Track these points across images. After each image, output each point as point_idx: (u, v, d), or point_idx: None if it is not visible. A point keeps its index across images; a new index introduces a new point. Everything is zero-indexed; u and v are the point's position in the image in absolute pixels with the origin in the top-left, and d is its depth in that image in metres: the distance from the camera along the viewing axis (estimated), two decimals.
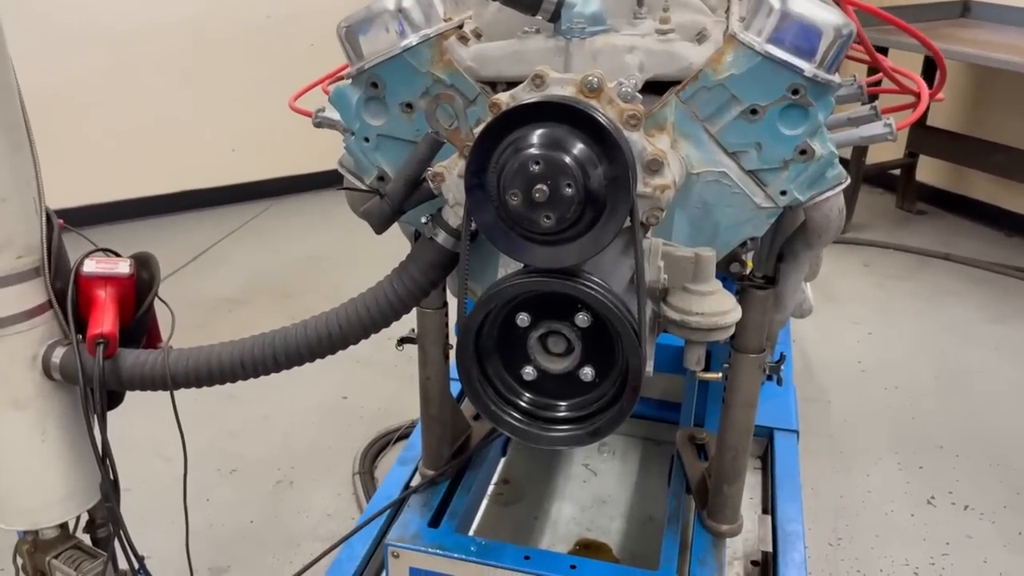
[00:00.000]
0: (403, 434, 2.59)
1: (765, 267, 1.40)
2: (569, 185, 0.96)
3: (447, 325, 1.66)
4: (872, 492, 2.41)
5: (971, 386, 2.93)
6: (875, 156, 4.18)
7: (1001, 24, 3.87)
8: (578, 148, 0.97)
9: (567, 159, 0.96)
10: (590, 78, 1.02)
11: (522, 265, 1.11)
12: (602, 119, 0.97)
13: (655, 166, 1.04)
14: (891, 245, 3.99)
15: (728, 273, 1.36)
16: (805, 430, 2.18)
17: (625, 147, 0.98)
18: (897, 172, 4.39)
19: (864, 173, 4.08)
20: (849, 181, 1.16)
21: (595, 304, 1.04)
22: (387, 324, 1.26)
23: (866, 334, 3.26)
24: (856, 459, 2.55)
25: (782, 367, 1.48)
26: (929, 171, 4.37)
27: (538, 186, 0.96)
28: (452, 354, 1.54)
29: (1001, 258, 3.86)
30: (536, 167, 0.96)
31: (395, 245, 1.44)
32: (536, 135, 0.98)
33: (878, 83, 1.65)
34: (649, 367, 1.11)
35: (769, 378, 1.51)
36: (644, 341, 1.06)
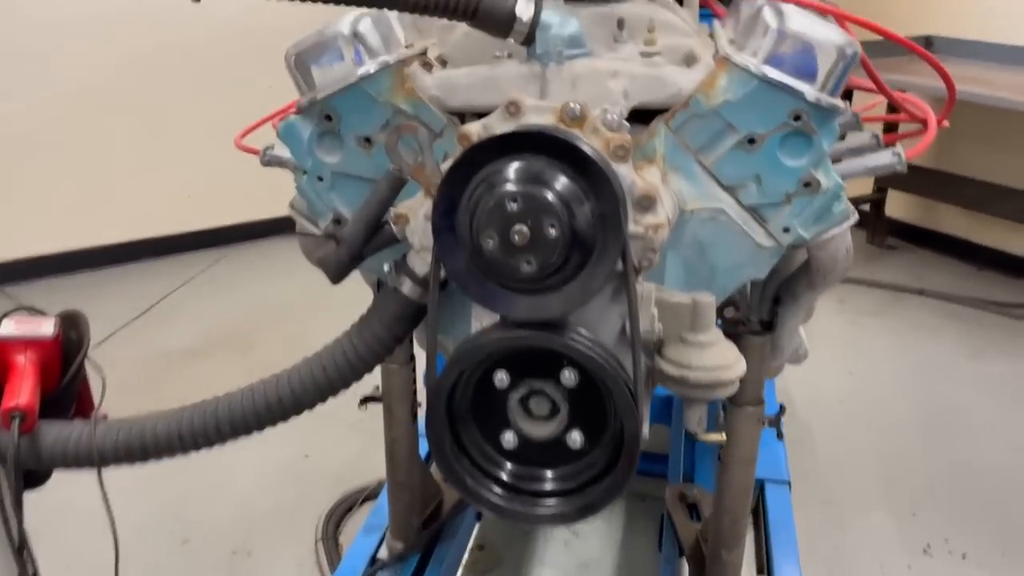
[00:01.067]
0: (370, 494, 2.42)
1: (761, 311, 1.29)
2: (553, 225, 0.84)
3: (415, 381, 1.52)
4: (865, 543, 2.29)
5: (955, 425, 2.85)
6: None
7: (964, 58, 3.87)
8: (561, 183, 0.85)
9: (550, 195, 0.84)
10: (571, 105, 0.91)
11: (498, 317, 0.98)
12: (588, 150, 0.86)
13: (647, 202, 0.93)
14: (865, 281, 3.93)
15: (722, 317, 1.24)
16: (792, 477, 2.06)
17: (614, 181, 0.86)
18: (867, 207, 4.36)
19: None
20: (858, 218, 1.05)
21: (584, 360, 0.92)
22: (347, 386, 1.12)
23: (846, 373, 3.17)
24: (846, 507, 2.43)
25: (782, 419, 1.36)
26: (898, 206, 4.35)
27: (517, 227, 0.84)
28: (421, 412, 1.41)
29: (974, 292, 3.81)
30: (514, 205, 0.84)
31: (364, 290, 1.31)
32: (513, 169, 0.86)
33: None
34: (644, 429, 0.99)
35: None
36: (640, 401, 0.93)
